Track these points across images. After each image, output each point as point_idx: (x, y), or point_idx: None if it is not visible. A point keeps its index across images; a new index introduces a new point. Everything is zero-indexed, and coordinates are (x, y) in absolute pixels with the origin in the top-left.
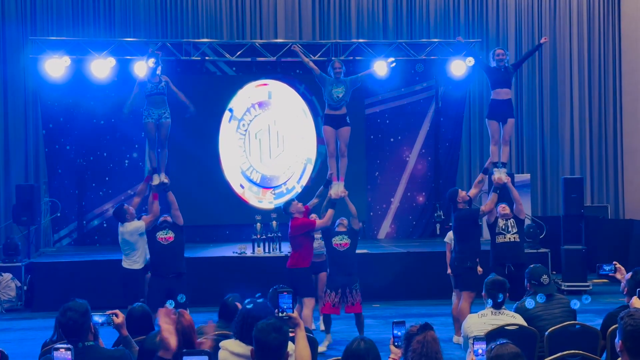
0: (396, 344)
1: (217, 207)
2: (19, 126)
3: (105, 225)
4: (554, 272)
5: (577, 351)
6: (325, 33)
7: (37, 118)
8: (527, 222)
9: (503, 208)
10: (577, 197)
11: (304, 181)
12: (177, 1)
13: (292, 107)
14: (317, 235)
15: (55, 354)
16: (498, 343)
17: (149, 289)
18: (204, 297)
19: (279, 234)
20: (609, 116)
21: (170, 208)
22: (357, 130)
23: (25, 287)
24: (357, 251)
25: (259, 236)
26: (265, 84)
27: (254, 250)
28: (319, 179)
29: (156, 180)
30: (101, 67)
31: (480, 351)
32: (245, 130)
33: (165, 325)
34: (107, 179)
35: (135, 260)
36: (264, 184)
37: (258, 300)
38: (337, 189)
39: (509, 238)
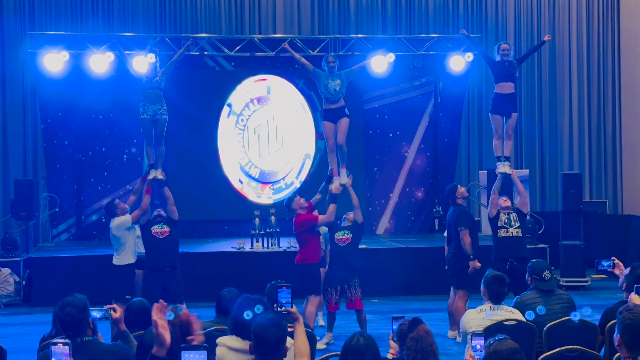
0: (395, 339)
1: (215, 202)
2: (18, 121)
3: (103, 220)
4: (553, 268)
5: (575, 346)
6: (324, 28)
7: (35, 113)
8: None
9: (504, 201)
10: (576, 193)
11: (303, 176)
12: None
13: (291, 102)
14: (324, 230)
15: (53, 348)
16: (496, 338)
17: (144, 284)
18: (202, 293)
19: (278, 229)
20: (607, 112)
21: (167, 203)
22: (356, 126)
23: (23, 282)
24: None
25: (257, 231)
26: (264, 79)
27: (252, 245)
28: (318, 174)
29: (151, 175)
30: (99, 62)
31: (478, 347)
32: (244, 126)
33: (160, 321)
34: (105, 174)
35: (124, 256)
36: (263, 179)
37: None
38: (338, 184)
39: (512, 232)
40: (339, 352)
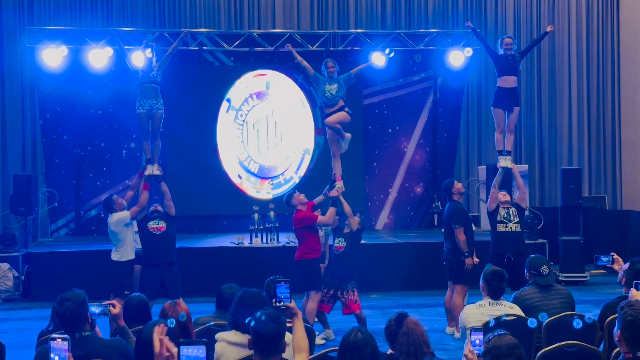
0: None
1: (214, 197)
2: (16, 116)
3: (102, 215)
4: (552, 263)
5: (574, 342)
6: (324, 23)
7: (34, 108)
8: (526, 212)
9: (504, 195)
10: (575, 188)
11: (302, 172)
12: None
13: (290, 98)
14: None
15: (52, 344)
16: (496, 334)
17: (141, 279)
18: (202, 288)
19: (277, 225)
20: (607, 107)
21: (163, 198)
22: (355, 121)
23: (22, 277)
24: None
25: (256, 226)
26: (263, 74)
27: (251, 240)
28: (317, 169)
29: (148, 171)
30: (98, 57)
31: (477, 342)
32: (243, 121)
33: (166, 345)
34: (104, 169)
35: (122, 252)
36: (262, 175)
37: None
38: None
39: (511, 227)
40: (337, 348)
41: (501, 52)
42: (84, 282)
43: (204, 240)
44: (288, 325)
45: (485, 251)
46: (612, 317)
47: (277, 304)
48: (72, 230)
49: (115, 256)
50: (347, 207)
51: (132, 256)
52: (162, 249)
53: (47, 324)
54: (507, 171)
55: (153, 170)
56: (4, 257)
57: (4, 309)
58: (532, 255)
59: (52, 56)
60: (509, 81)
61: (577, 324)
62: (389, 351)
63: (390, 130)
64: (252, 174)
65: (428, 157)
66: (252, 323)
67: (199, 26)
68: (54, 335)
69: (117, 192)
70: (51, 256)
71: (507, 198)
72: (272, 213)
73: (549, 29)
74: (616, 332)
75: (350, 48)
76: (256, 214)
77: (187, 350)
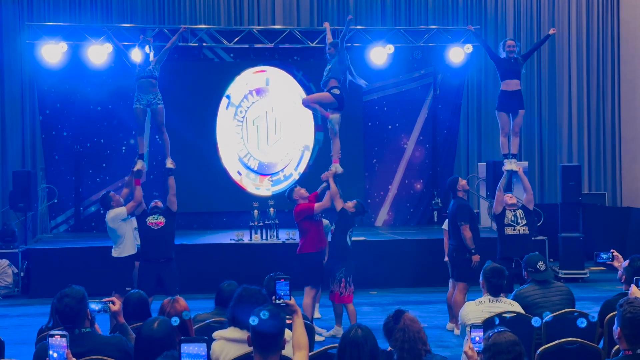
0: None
1: (214, 194)
2: (16, 112)
3: (102, 212)
4: (552, 260)
5: (574, 339)
6: (323, 19)
7: (33, 104)
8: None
9: (510, 198)
10: (575, 185)
11: (302, 168)
12: None
13: (290, 94)
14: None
15: (51, 340)
16: (495, 331)
17: (139, 274)
18: (201, 284)
19: (277, 221)
20: (607, 104)
21: (168, 192)
22: (355, 118)
23: (22, 274)
24: (354, 238)
25: (256, 223)
26: (262, 71)
27: (251, 237)
28: (317, 166)
29: (137, 166)
30: (98, 53)
31: (477, 339)
32: (243, 117)
33: None
34: (104, 165)
35: (122, 248)
36: (262, 171)
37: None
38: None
39: (519, 230)
40: (336, 345)
41: (503, 55)
42: (84, 279)
43: (204, 237)
44: (288, 322)
45: (487, 249)
46: (611, 314)
47: (277, 301)
48: (71, 226)
49: (115, 252)
50: (333, 188)
51: (132, 252)
52: (159, 244)
53: (47, 321)
54: (513, 174)
55: (168, 164)
56: (4, 253)
57: (4, 305)
58: (528, 254)
59: (52, 52)
60: (511, 85)
61: (582, 322)
62: (389, 348)
63: (390, 127)
64: (252, 170)
65: (428, 153)
66: (252, 320)
67: (198, 22)
68: (52, 332)
69: (116, 188)
70: (51, 252)
71: (514, 201)
72: (271, 210)
73: (551, 31)
74: (616, 329)
75: (350, 44)
76: (256, 211)
77: (188, 348)
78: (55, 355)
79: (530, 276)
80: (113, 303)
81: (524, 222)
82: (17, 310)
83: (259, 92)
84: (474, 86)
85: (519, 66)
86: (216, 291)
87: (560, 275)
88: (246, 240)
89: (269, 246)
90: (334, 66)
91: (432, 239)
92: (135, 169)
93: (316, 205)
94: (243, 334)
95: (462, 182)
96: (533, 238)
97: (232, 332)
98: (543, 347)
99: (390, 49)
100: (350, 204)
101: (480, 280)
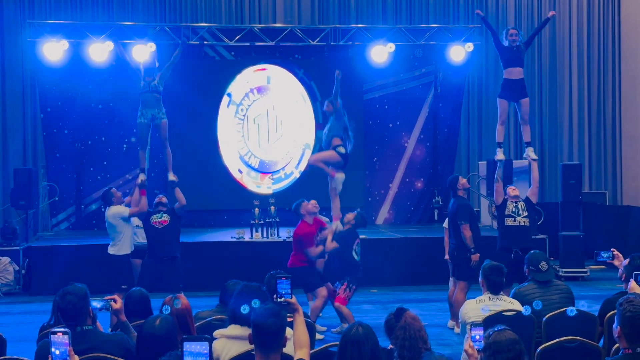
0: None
1: (215, 192)
2: (17, 110)
3: (103, 209)
4: (552, 258)
5: (574, 337)
6: (325, 18)
7: (35, 102)
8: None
9: (513, 190)
10: (575, 184)
11: (303, 166)
12: None
13: (291, 92)
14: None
15: (53, 337)
16: (496, 329)
17: (142, 271)
18: (202, 282)
19: (277, 219)
20: (607, 102)
21: (176, 203)
22: (356, 116)
23: (23, 271)
24: None
25: (257, 221)
26: (263, 69)
27: (252, 235)
28: None
29: (139, 179)
30: (99, 51)
31: (477, 337)
32: (244, 115)
33: None
34: (105, 163)
35: (119, 246)
36: (263, 169)
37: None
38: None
39: (519, 221)
40: (337, 343)
41: (506, 43)
42: (85, 276)
43: (205, 235)
44: (289, 320)
45: (488, 246)
46: (612, 312)
47: (278, 299)
48: (72, 224)
49: (112, 250)
50: (329, 246)
51: (128, 250)
52: (163, 243)
53: (48, 318)
54: (506, 164)
55: (170, 177)
56: (5, 250)
57: (5, 302)
58: (531, 252)
59: (53, 50)
60: (514, 72)
61: (571, 311)
62: (390, 346)
63: (390, 125)
64: (253, 168)
65: (428, 152)
66: (253, 317)
67: (199, 20)
68: (54, 329)
69: (117, 186)
70: (52, 250)
71: (517, 192)
72: (272, 208)
73: (550, 14)
74: (615, 328)
75: (351, 43)
76: (257, 209)
77: (191, 347)
78: (57, 352)
79: (531, 274)
80: (115, 301)
81: (525, 213)
82: (19, 307)
83: (260, 90)
84: (474, 85)
85: (521, 54)
86: (221, 289)
87: (560, 273)
88: (247, 238)
89: (270, 244)
90: (332, 124)
91: (432, 237)
92: (139, 180)
93: (310, 250)
94: (244, 331)
95: (463, 180)
96: (535, 236)
97: (232, 329)
98: (543, 346)
99: (391, 47)
100: (350, 216)
101: (480, 278)
